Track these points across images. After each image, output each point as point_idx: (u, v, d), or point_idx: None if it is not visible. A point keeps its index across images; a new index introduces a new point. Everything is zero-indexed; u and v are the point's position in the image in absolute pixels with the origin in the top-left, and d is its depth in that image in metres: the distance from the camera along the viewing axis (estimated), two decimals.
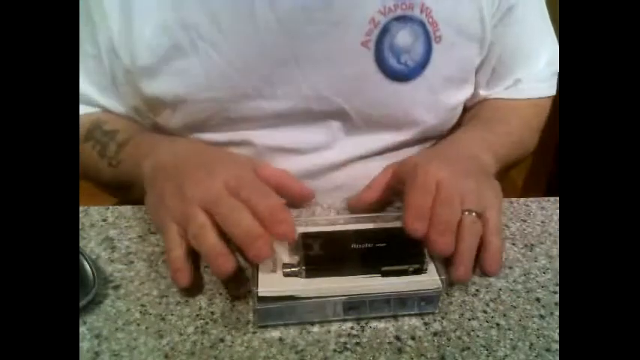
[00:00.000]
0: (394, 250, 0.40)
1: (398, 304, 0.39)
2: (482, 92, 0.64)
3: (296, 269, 0.39)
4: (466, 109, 0.67)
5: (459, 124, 0.64)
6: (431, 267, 0.40)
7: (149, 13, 0.50)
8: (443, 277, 0.39)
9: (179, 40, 0.50)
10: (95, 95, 0.57)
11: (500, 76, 0.63)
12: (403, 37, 0.52)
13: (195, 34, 0.50)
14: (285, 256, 0.41)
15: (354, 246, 0.40)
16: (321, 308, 0.38)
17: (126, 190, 0.55)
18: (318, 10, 0.50)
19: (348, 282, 0.38)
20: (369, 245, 0.40)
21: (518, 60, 0.62)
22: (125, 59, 0.52)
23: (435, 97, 0.57)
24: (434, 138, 0.63)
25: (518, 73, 0.63)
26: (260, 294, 0.37)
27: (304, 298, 0.37)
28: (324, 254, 0.40)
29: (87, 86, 0.57)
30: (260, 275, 0.39)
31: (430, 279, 0.39)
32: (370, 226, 0.45)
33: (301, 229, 0.42)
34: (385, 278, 0.39)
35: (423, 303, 0.39)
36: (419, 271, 0.39)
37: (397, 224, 0.44)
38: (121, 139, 0.55)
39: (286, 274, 0.39)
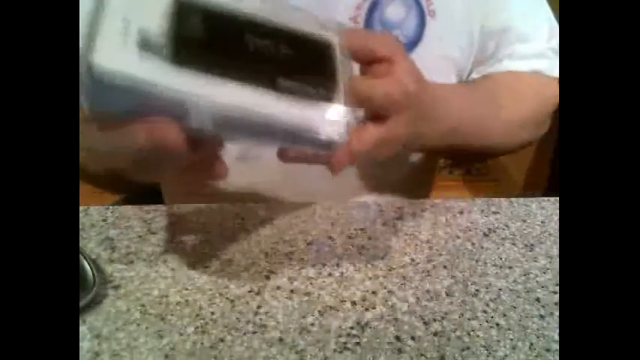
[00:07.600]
0: (301, 62, 0.31)
1: (286, 136, 0.30)
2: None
3: (158, 44, 0.27)
4: None
5: None
6: (339, 99, 0.31)
7: None
8: (348, 118, 0.30)
9: None
10: None
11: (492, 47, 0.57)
12: (394, 10, 0.50)
13: None
14: (145, 16, 0.27)
15: (248, 38, 0.29)
16: (179, 108, 0.28)
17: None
18: None
19: (225, 87, 0.28)
20: (269, 43, 0.29)
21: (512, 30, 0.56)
22: None
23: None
24: None
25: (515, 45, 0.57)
26: (97, 63, 0.26)
27: (157, 86, 0.27)
28: (203, 37, 0.28)
29: None
30: (99, 37, 0.26)
31: (335, 115, 0.30)
32: (282, 21, 0.31)
33: None
34: (278, 95, 0.29)
35: (318, 146, 0.31)
36: (326, 99, 0.30)
37: (321, 33, 0.33)
38: None
39: (141, 46, 0.27)
